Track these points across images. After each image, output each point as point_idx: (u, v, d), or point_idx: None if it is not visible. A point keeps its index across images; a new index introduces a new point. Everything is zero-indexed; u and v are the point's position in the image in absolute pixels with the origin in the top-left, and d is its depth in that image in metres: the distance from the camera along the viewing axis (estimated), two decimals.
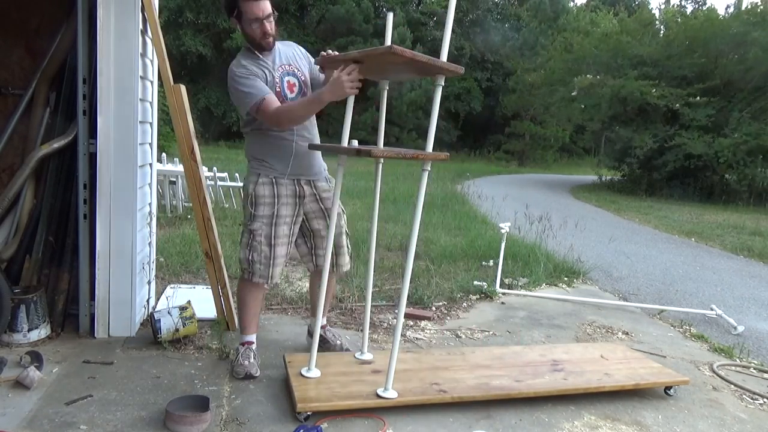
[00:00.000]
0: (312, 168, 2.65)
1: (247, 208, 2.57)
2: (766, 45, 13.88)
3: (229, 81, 2.46)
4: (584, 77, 17.13)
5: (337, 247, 2.73)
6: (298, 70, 2.62)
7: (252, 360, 2.59)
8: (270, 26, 2.46)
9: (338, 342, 2.93)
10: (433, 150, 2.24)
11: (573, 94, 17.75)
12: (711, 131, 14.08)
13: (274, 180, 2.54)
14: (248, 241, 2.55)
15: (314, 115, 2.59)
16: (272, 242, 2.55)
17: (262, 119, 2.44)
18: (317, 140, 2.68)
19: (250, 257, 2.54)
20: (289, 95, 2.55)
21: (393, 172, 12.07)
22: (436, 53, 2.17)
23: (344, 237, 2.79)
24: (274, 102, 2.40)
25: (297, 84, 2.59)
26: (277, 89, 2.50)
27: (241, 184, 7.09)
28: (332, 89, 2.26)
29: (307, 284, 4.07)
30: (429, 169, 2.25)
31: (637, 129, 15.66)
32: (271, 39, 2.50)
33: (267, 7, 2.43)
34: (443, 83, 2.21)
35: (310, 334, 2.98)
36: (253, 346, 2.67)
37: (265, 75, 2.48)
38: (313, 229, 2.71)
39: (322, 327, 2.92)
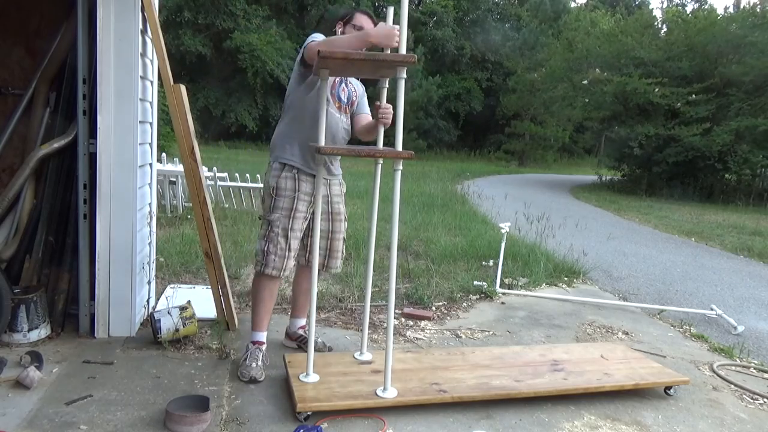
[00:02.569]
0: (330, 170, 2.72)
1: (266, 200, 2.62)
2: (765, 47, 13.90)
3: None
4: (593, 71, 17.14)
5: (332, 251, 2.81)
6: (353, 90, 2.74)
7: (259, 363, 2.58)
8: None
9: (319, 340, 2.96)
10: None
11: (584, 82, 17.74)
12: (710, 128, 14.11)
13: (296, 174, 2.58)
14: (266, 232, 2.58)
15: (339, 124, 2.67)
16: (288, 234, 2.57)
17: (309, 51, 2.40)
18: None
19: (266, 248, 2.57)
20: (341, 95, 2.66)
21: None
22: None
23: (342, 242, 2.84)
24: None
25: (347, 95, 2.69)
26: (333, 84, 2.61)
27: (241, 185, 7.15)
28: (379, 35, 2.24)
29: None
30: (401, 168, 2.32)
31: (637, 126, 15.67)
32: None
33: None
34: (405, 75, 2.25)
35: (289, 336, 3.02)
36: (264, 347, 2.68)
37: None
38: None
39: (301, 327, 2.99)
